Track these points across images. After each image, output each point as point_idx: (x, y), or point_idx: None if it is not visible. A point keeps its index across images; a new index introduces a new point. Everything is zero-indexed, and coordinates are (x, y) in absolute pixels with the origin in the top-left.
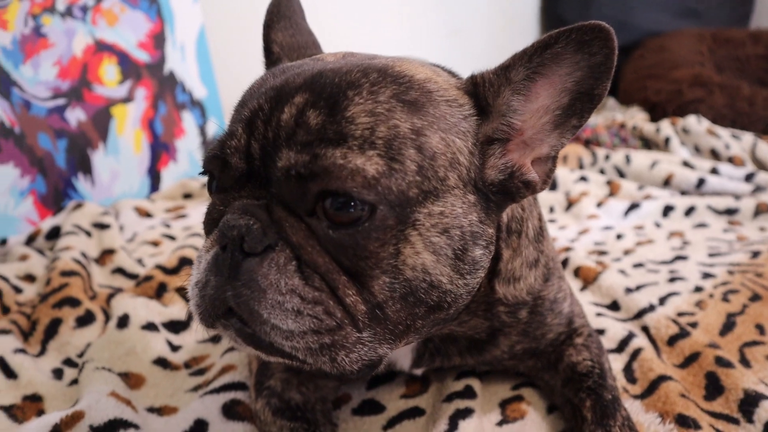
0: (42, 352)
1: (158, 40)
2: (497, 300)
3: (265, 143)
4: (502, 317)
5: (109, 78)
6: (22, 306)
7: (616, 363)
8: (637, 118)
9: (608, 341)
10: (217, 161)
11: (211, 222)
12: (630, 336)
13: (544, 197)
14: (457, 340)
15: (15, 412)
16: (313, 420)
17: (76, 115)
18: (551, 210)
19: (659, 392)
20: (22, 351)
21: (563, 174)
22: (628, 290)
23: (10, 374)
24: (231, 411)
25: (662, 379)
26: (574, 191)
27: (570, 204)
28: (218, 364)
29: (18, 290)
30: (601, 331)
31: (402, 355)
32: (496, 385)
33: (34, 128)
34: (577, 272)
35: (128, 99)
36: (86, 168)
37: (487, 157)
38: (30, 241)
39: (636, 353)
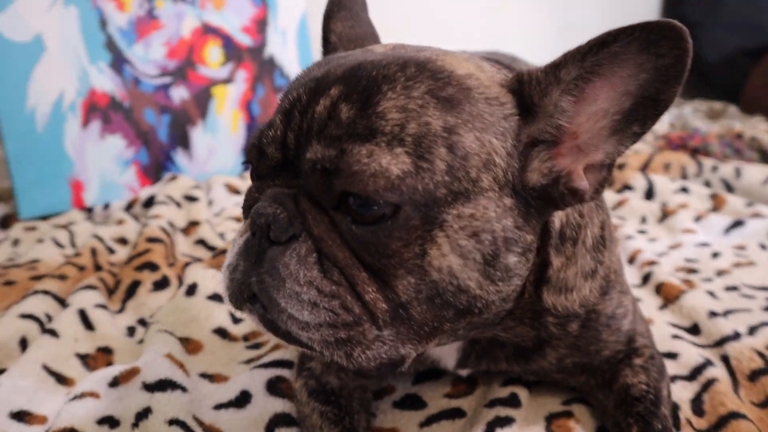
0: (121, 309)
1: (261, 25)
2: (545, 310)
3: (299, 134)
4: (550, 328)
5: (212, 59)
6: (113, 266)
7: (685, 392)
8: (758, 128)
9: (679, 367)
10: (255, 150)
11: (247, 208)
12: (706, 364)
13: (638, 206)
14: (504, 346)
15: (88, 361)
16: (347, 406)
17: (179, 93)
18: (643, 220)
19: (728, 430)
20: (103, 307)
21: (662, 183)
22: (713, 314)
23: (89, 326)
24: (274, 387)
25: (734, 416)
26: (672, 202)
27: (665, 215)
28: (273, 341)
29: (111, 251)
30: (672, 355)
31: (446, 354)
32: (546, 398)
33: (142, 103)
34: (659, 289)
35: (229, 80)
36: (185, 143)
37: (530, 159)
38: (129, 207)
39: (709, 384)
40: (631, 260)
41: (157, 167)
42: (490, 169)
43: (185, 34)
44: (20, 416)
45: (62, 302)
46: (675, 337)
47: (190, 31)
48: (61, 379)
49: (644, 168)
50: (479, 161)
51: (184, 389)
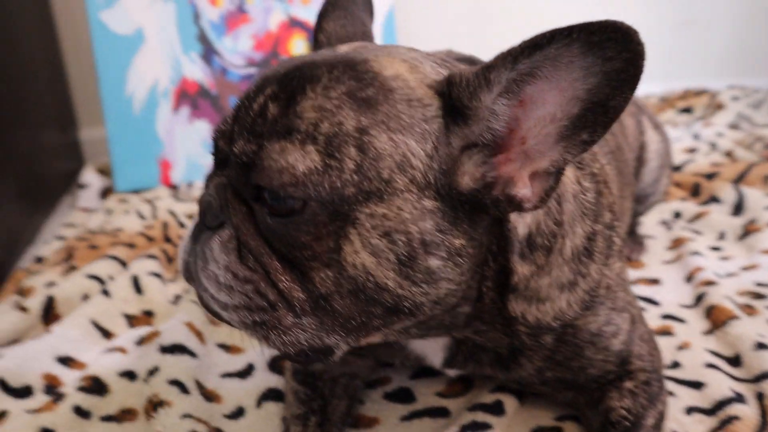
0: (174, 279)
1: None
2: (514, 318)
3: (239, 129)
4: (522, 338)
5: (296, 51)
6: (180, 239)
7: (700, 426)
8: None
9: (702, 398)
10: (212, 142)
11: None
12: (732, 399)
13: (718, 221)
14: (487, 350)
15: (132, 321)
16: (325, 389)
17: None
18: (721, 236)
19: None
20: (157, 275)
21: (755, 197)
22: (762, 346)
23: (139, 290)
24: (275, 364)
25: None
26: (762, 219)
27: (747, 233)
28: None
29: (182, 225)
30: (698, 385)
31: (431, 352)
32: (538, 410)
33: (227, 91)
34: (709, 312)
35: None
36: None
37: (462, 162)
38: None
39: (728, 420)
40: (689, 278)
41: None
42: (406, 171)
43: (272, 27)
44: (64, 361)
45: (126, 267)
46: (709, 365)
47: (276, 24)
48: (106, 334)
49: (739, 179)
50: (392, 162)
51: (193, 355)
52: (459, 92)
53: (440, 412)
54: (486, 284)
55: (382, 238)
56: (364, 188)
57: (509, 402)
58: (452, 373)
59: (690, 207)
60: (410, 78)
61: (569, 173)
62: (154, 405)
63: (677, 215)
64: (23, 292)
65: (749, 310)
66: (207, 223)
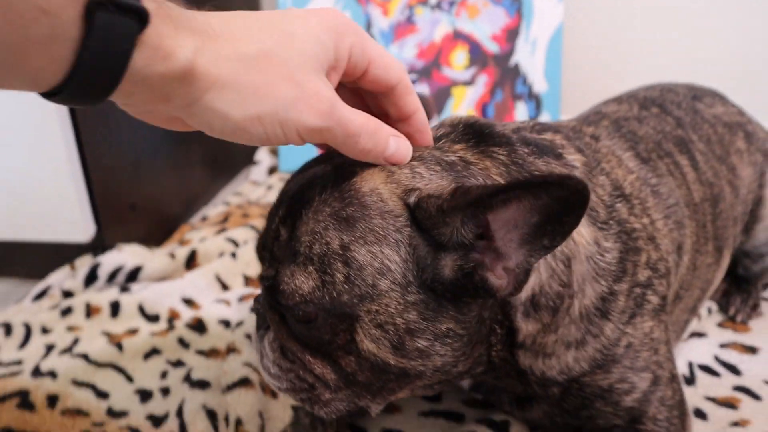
0: None
1: (511, 34)
2: (523, 370)
3: (264, 252)
4: (534, 386)
5: (457, 62)
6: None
7: None
8: None
9: None
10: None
11: None
12: None
13: None
14: (506, 390)
15: (249, 281)
16: None
17: (422, 90)
18: None
19: None
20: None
21: None
22: None
23: None
24: None
25: None
26: None
27: None
28: None
29: None
30: None
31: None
32: None
33: None
34: None
35: (469, 82)
36: None
37: (440, 258)
38: None
39: None
40: None
41: None
42: (386, 275)
43: (436, 38)
44: (188, 302)
45: None
46: None
47: (441, 36)
48: (224, 287)
49: None
50: (373, 270)
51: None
52: (424, 219)
53: (456, 417)
54: (496, 347)
55: (377, 329)
56: (356, 293)
57: (517, 426)
58: (479, 396)
59: None
60: (384, 191)
61: (586, 234)
62: (229, 350)
63: None
64: (182, 243)
65: None
66: (258, 326)
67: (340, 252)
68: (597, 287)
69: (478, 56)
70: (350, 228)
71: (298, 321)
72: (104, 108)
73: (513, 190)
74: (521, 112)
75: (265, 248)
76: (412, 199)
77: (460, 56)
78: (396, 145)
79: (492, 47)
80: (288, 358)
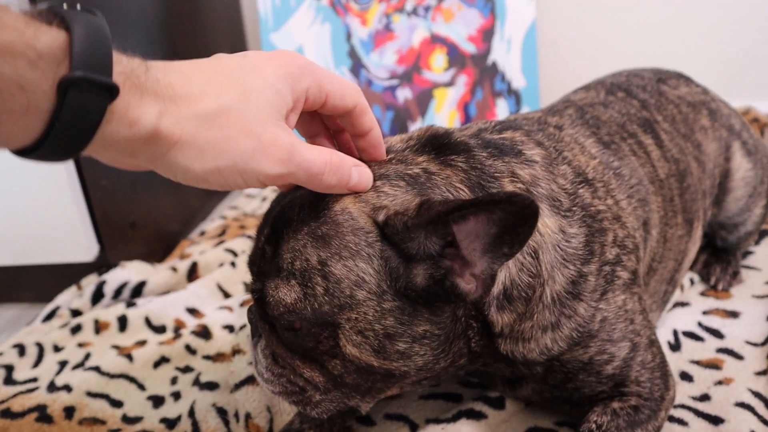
0: None
1: (487, 34)
2: (505, 355)
3: (253, 267)
4: (520, 367)
5: (437, 65)
6: None
7: None
8: None
9: None
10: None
11: None
12: None
13: None
14: (495, 374)
15: (248, 288)
16: None
17: (404, 94)
18: None
19: None
20: None
21: None
22: None
23: None
24: None
25: None
26: None
27: None
28: None
29: None
30: (717, 420)
31: None
32: (540, 414)
33: (371, 101)
34: None
35: (450, 84)
36: None
37: (412, 267)
38: None
39: None
40: None
41: None
42: (362, 286)
43: (414, 43)
44: (191, 311)
45: None
46: (741, 404)
47: (419, 40)
48: (226, 295)
49: None
50: (350, 282)
51: None
52: (392, 235)
53: (454, 398)
54: (474, 339)
55: (358, 335)
56: (335, 303)
57: (512, 402)
58: (474, 380)
59: None
60: (354, 209)
61: (550, 224)
62: (234, 352)
63: None
64: (183, 257)
65: None
66: (252, 334)
67: (319, 267)
68: (566, 272)
69: (456, 58)
70: (326, 245)
71: (286, 329)
72: None
73: (468, 207)
74: (502, 109)
75: (254, 264)
76: (380, 217)
77: (438, 59)
78: (358, 175)
79: (469, 48)
80: (279, 364)
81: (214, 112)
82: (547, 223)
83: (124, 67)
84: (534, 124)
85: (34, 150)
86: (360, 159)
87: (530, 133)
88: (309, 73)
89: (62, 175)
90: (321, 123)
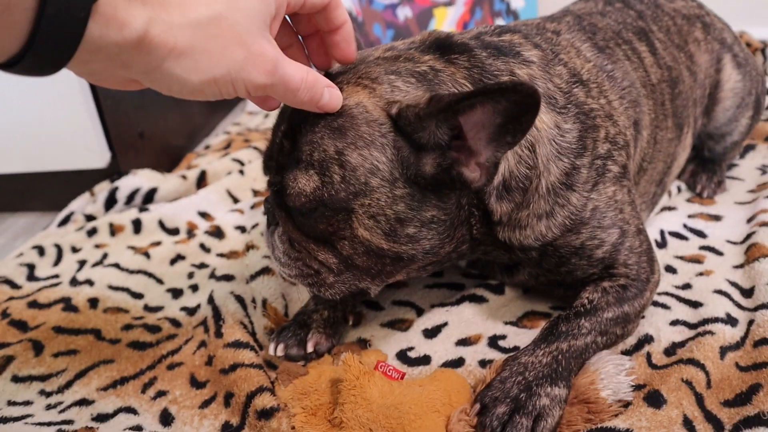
0: None
1: None
2: (503, 241)
3: (271, 162)
4: (517, 253)
5: None
6: None
7: (677, 335)
8: None
9: (693, 315)
10: (263, 165)
11: None
12: (720, 319)
13: None
14: (495, 262)
15: (257, 194)
16: None
17: (404, 12)
18: None
19: (671, 372)
20: None
21: None
22: None
23: None
24: None
25: (688, 362)
26: None
27: None
28: None
29: None
30: (697, 304)
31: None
32: (537, 299)
33: (372, 19)
34: (749, 249)
35: (450, 3)
36: None
37: (422, 156)
38: None
39: (702, 334)
40: (751, 219)
41: None
42: (375, 174)
43: None
44: (203, 214)
45: None
46: (719, 291)
47: None
48: (235, 200)
49: None
50: (365, 170)
51: None
52: (405, 126)
53: (457, 286)
54: (476, 227)
55: (370, 219)
56: (351, 190)
57: (511, 289)
58: (475, 271)
59: None
60: (368, 104)
61: (546, 120)
62: (248, 248)
63: None
64: (190, 167)
65: None
66: (269, 222)
67: (336, 157)
68: (560, 164)
69: None
70: (342, 135)
71: (302, 215)
72: None
73: (476, 96)
74: None
75: (272, 158)
76: (393, 110)
77: None
78: (329, 95)
79: None
80: (295, 248)
81: (206, 21)
82: (544, 119)
83: None
84: (533, 28)
85: (21, 58)
86: (334, 56)
87: (528, 36)
88: None
89: (74, 83)
90: (293, 33)
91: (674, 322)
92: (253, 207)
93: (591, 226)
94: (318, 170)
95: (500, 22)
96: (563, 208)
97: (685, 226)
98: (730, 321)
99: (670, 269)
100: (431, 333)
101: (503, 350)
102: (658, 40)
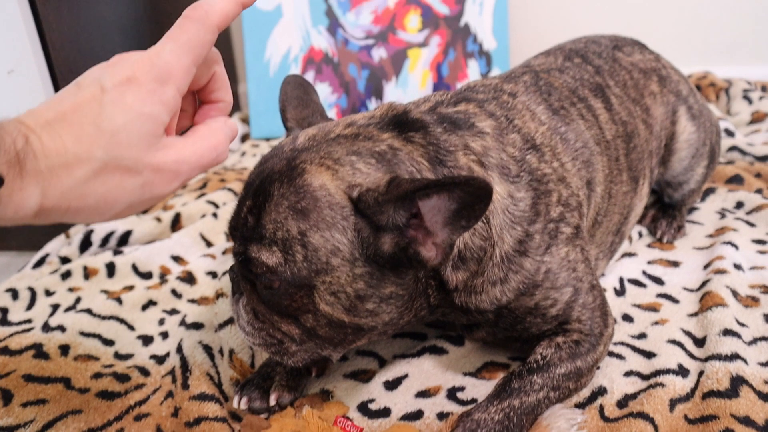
0: None
1: None
2: (460, 306)
3: (235, 233)
4: (474, 315)
5: (411, 26)
6: None
7: (629, 387)
8: None
9: (646, 366)
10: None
11: None
12: (672, 371)
13: None
14: (453, 322)
15: (229, 237)
16: None
17: (379, 53)
18: None
19: (622, 425)
20: None
21: None
22: (728, 332)
23: None
24: None
25: (639, 416)
26: None
27: None
28: None
29: None
30: (650, 355)
31: None
32: (495, 351)
33: (347, 59)
34: (703, 297)
35: (423, 44)
36: (379, 94)
37: (381, 236)
38: None
39: (654, 386)
40: (708, 265)
41: (353, 111)
42: (336, 254)
43: (390, 4)
44: (176, 258)
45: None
46: (672, 341)
47: (394, 2)
48: (208, 244)
49: None
50: (326, 251)
51: None
52: (364, 209)
53: (420, 336)
54: (433, 295)
55: (331, 295)
56: (313, 269)
57: (471, 341)
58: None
59: (755, 198)
60: (331, 186)
61: (500, 190)
62: (218, 295)
63: (739, 205)
64: (165, 208)
65: (750, 302)
66: (233, 291)
67: (299, 237)
68: (514, 233)
69: (430, 19)
70: (305, 218)
71: (265, 288)
72: None
73: (433, 186)
74: (473, 69)
75: (237, 230)
76: (354, 194)
77: (413, 20)
78: (232, 133)
79: (443, 9)
80: (259, 319)
81: (93, 173)
82: (497, 189)
83: (7, 152)
84: (490, 91)
85: None
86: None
87: (483, 103)
88: (168, 78)
89: None
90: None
91: (628, 373)
92: (224, 252)
93: (544, 288)
94: (281, 248)
95: (473, 63)
96: (517, 273)
97: (644, 272)
98: (682, 372)
99: (627, 318)
100: (392, 385)
101: (461, 402)
102: (615, 96)
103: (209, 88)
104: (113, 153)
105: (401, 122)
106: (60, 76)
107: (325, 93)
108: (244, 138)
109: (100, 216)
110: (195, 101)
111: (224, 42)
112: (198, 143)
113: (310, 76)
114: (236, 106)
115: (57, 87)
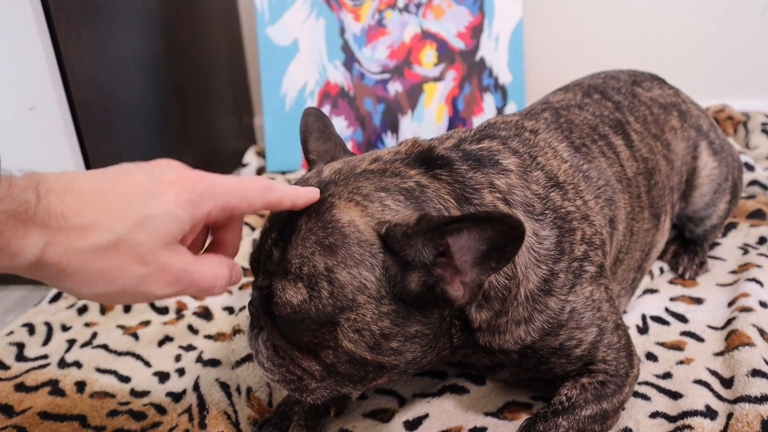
0: None
1: (475, 31)
2: (483, 346)
3: (259, 266)
4: (498, 355)
5: (427, 60)
6: None
7: (657, 429)
8: None
9: (673, 407)
10: (251, 266)
11: None
12: (700, 412)
13: None
14: (476, 364)
15: (246, 272)
16: None
17: (395, 87)
18: None
19: None
20: None
21: None
22: (757, 373)
23: None
24: None
25: None
26: None
27: None
28: None
29: None
30: (677, 395)
31: None
32: (518, 389)
33: (363, 93)
34: (729, 336)
35: (439, 78)
36: (395, 128)
37: (408, 274)
38: None
39: (682, 428)
40: (732, 303)
41: (369, 145)
42: (363, 291)
43: (406, 39)
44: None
45: (253, 231)
46: (699, 381)
47: (410, 36)
48: None
49: None
50: (353, 288)
51: None
52: (392, 245)
53: (440, 375)
54: (456, 335)
55: (355, 333)
56: (338, 306)
57: (491, 381)
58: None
59: None
60: (360, 223)
61: (526, 228)
62: (235, 332)
63: (762, 241)
64: None
65: None
66: (253, 326)
67: (326, 273)
68: (539, 272)
69: (445, 53)
70: (333, 254)
71: (287, 323)
72: (104, 119)
73: (463, 221)
74: (489, 103)
75: (259, 263)
76: (383, 230)
77: (429, 54)
78: (234, 278)
79: (458, 44)
80: (279, 355)
81: (105, 245)
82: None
83: (12, 203)
84: (511, 128)
85: None
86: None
87: (506, 140)
88: (210, 197)
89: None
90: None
91: (654, 415)
92: (241, 287)
93: (569, 328)
94: (306, 284)
95: (488, 97)
96: (542, 313)
97: (666, 309)
98: (710, 414)
99: (651, 357)
100: (412, 425)
101: None
102: (635, 132)
103: (223, 224)
104: (133, 234)
105: (427, 159)
106: (80, 112)
107: (341, 127)
108: (260, 171)
109: (90, 288)
110: (207, 235)
111: (241, 75)
112: (206, 265)
113: (326, 110)
114: (252, 140)
115: (77, 123)
